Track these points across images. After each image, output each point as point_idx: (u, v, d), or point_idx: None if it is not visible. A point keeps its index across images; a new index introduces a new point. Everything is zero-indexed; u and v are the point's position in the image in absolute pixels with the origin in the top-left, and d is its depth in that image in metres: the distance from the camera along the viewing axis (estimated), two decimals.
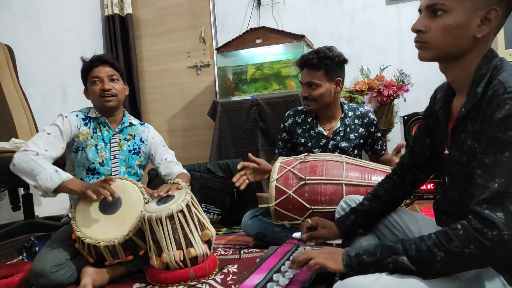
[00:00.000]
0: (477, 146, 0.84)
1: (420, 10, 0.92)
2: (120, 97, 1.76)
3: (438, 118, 1.02)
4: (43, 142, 1.59)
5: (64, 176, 1.52)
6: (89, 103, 1.82)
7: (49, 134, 1.62)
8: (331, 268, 0.88)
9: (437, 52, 0.89)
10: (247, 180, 1.73)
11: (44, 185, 1.48)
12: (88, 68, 1.74)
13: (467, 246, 0.74)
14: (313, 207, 1.57)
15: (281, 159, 1.74)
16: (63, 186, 1.50)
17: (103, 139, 1.74)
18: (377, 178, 1.57)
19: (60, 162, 1.74)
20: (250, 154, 1.78)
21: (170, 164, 1.87)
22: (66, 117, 1.69)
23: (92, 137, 1.72)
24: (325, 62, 1.80)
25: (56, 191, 1.51)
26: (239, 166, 1.75)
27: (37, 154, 1.53)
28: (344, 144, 1.89)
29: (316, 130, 1.92)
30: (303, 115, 1.96)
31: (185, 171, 1.89)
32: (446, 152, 0.97)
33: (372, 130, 1.94)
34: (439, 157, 1.03)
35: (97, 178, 1.68)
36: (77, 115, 1.73)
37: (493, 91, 0.79)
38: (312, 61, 1.81)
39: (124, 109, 1.85)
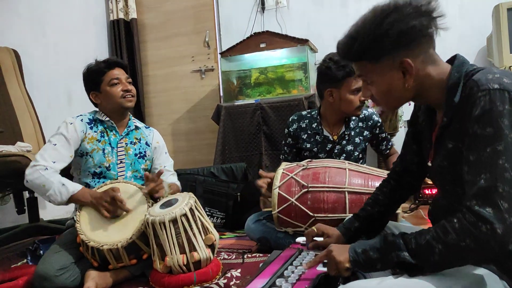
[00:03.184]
0: (460, 146, 0.86)
1: None
2: (135, 100, 1.78)
3: (422, 127, 1.06)
4: (50, 154, 1.60)
5: (71, 189, 1.54)
6: (92, 107, 1.82)
7: (55, 145, 1.63)
8: (338, 260, 0.89)
9: (391, 108, 1.00)
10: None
11: (56, 200, 1.54)
12: (104, 70, 1.72)
13: (463, 240, 0.76)
14: (316, 215, 1.56)
15: (283, 165, 1.73)
16: (73, 198, 1.54)
17: (110, 143, 1.74)
18: None
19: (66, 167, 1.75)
20: (261, 171, 1.78)
21: (167, 173, 1.86)
22: (71, 123, 1.67)
23: (99, 141, 1.71)
24: None
25: (68, 202, 1.56)
26: (260, 184, 1.74)
27: (46, 169, 1.55)
28: (350, 147, 1.90)
29: (322, 136, 1.91)
30: (307, 120, 1.96)
31: (178, 183, 1.89)
32: (429, 164, 1.01)
33: (377, 131, 1.95)
34: (426, 165, 1.05)
35: (103, 181, 1.69)
36: (81, 120, 1.72)
37: (469, 90, 0.83)
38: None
39: (130, 113, 1.86)
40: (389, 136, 2.04)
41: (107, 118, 1.75)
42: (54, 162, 1.59)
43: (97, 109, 1.80)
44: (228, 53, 3.01)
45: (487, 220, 0.74)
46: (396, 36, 0.85)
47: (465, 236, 0.76)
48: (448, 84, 0.90)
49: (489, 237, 0.74)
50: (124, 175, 1.75)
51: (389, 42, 0.86)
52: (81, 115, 1.75)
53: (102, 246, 1.46)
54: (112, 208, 1.52)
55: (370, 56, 0.90)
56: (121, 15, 3.52)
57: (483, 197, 0.76)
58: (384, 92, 0.93)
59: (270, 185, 1.73)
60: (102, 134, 1.73)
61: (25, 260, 1.93)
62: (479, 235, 0.74)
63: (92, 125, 1.73)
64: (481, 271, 0.85)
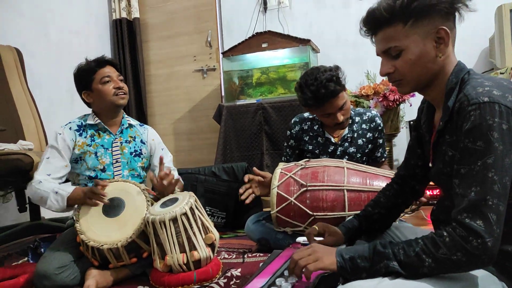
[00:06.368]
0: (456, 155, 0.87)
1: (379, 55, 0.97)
2: (128, 97, 1.77)
3: (423, 130, 1.06)
4: (44, 168, 1.64)
5: (65, 193, 1.55)
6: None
7: (47, 158, 1.66)
8: (325, 267, 0.89)
9: (413, 84, 0.94)
10: (253, 194, 1.73)
11: (57, 209, 1.56)
12: (95, 69, 1.72)
13: (454, 254, 0.77)
14: (315, 213, 1.56)
15: (281, 165, 1.73)
16: (70, 200, 1.55)
17: (102, 145, 1.73)
18: (378, 183, 1.56)
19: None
20: (255, 168, 1.78)
21: None
22: (60, 134, 1.68)
23: (89, 145, 1.71)
24: (340, 87, 1.73)
25: (69, 205, 1.57)
26: (245, 179, 1.75)
27: (40, 182, 1.59)
28: (352, 149, 1.88)
29: (324, 138, 1.90)
30: (309, 122, 1.95)
31: (179, 178, 1.88)
32: (430, 165, 1.02)
33: (376, 135, 1.91)
34: (429, 168, 1.05)
35: None
36: (70, 128, 1.72)
37: (459, 104, 0.85)
38: (334, 92, 1.70)
39: (123, 111, 1.84)
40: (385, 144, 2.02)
41: (98, 121, 1.74)
42: (48, 175, 1.62)
43: (86, 113, 1.79)
44: (230, 53, 3.01)
45: (478, 234, 0.75)
46: None
47: (456, 250, 0.77)
48: (447, 88, 0.91)
49: (480, 251, 0.75)
50: (120, 174, 1.74)
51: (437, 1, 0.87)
52: (70, 122, 1.75)
53: (102, 245, 1.46)
54: (94, 196, 1.51)
55: (413, 14, 0.88)
56: (124, 14, 3.53)
57: (473, 211, 0.77)
58: (414, 60, 0.90)
59: (261, 183, 1.73)
60: (93, 138, 1.73)
61: (26, 258, 1.93)
62: (471, 249, 0.76)
63: (82, 131, 1.73)
64: (479, 272, 0.84)
